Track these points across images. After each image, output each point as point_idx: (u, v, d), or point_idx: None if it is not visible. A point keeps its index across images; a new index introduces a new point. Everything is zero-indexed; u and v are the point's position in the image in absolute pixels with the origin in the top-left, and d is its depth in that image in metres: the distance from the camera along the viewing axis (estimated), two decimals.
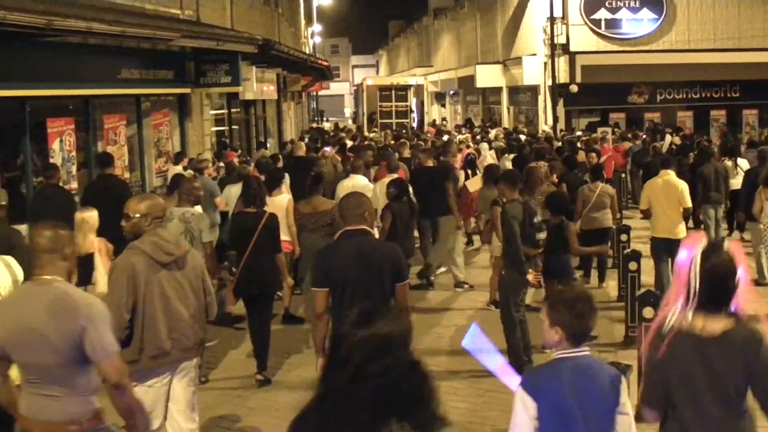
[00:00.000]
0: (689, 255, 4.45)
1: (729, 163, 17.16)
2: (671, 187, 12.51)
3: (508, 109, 42.70)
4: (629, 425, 4.53)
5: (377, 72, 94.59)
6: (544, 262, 10.72)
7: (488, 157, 21.12)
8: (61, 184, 13.41)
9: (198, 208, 10.39)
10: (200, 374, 9.71)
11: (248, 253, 9.93)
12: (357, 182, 13.76)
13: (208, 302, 6.81)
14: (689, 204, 12.66)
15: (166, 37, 16.02)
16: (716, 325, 4.35)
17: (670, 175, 12.72)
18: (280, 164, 16.90)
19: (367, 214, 6.90)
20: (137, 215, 6.48)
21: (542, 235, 10.12)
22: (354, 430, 3.05)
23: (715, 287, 4.38)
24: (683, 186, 12.64)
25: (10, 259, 7.06)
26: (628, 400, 4.57)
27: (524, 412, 4.44)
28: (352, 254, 6.66)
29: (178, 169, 16.32)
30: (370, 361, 3.09)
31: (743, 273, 4.44)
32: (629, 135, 26.65)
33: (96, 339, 4.94)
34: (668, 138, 25.79)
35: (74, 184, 14.36)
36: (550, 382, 4.53)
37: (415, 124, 46.06)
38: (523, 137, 26.23)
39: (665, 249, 12.27)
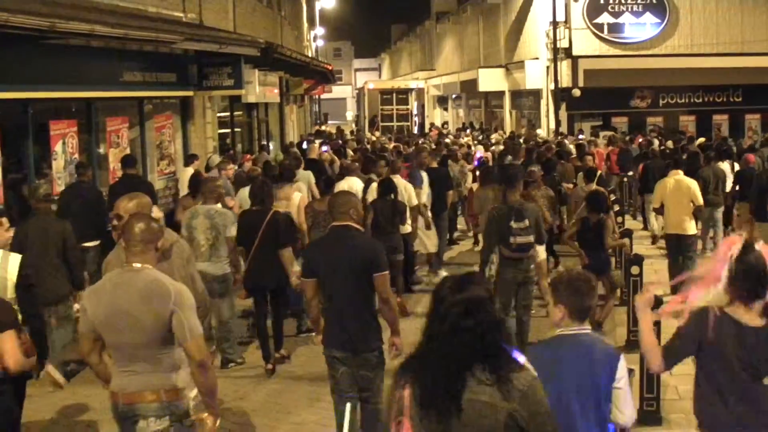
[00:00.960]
0: (727, 251, 4.97)
1: (725, 165, 17.55)
2: (682, 185, 13.40)
3: (511, 113, 42.72)
4: (625, 400, 4.94)
5: (380, 75, 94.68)
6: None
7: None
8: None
9: (220, 205, 10.89)
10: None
11: (254, 249, 10.35)
12: (351, 183, 14.27)
13: (194, 289, 6.98)
14: (701, 201, 13.52)
15: (168, 39, 16.03)
16: (756, 316, 4.93)
17: (680, 174, 13.65)
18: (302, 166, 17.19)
19: (353, 211, 7.39)
20: (128, 214, 6.58)
21: (516, 240, 10.40)
22: (448, 371, 3.78)
23: (753, 282, 4.91)
24: (694, 185, 13.54)
25: (13, 257, 7.22)
26: (625, 376, 4.93)
27: None
28: (335, 248, 7.24)
29: (191, 170, 16.38)
30: (464, 317, 3.80)
31: None
32: (627, 138, 26.73)
33: (184, 321, 5.37)
34: (656, 142, 25.79)
35: None
36: (549, 356, 4.89)
37: (416, 128, 46.14)
38: (521, 140, 26.55)
39: (675, 244, 13.36)
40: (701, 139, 26.18)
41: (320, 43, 75.81)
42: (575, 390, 4.81)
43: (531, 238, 10.49)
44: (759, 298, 4.92)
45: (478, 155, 21.96)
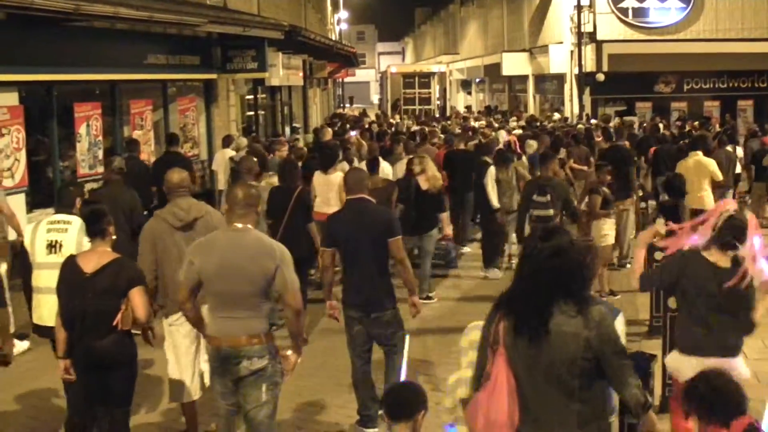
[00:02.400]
0: (722, 207, 6.44)
1: (729, 149, 17.94)
2: (702, 164, 14.32)
3: (534, 97, 42.54)
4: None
5: (403, 59, 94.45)
6: None
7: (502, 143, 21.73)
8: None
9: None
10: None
11: (284, 223, 10.97)
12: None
13: None
14: (721, 177, 14.54)
15: (192, 22, 16.08)
16: (726, 260, 6.33)
17: (699, 154, 14.49)
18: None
19: (365, 185, 8.08)
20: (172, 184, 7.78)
21: (534, 212, 11.66)
22: (537, 301, 4.42)
23: (731, 235, 6.29)
24: (713, 163, 14.50)
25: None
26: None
27: None
28: (352, 218, 7.93)
29: (229, 152, 16.47)
30: (549, 258, 4.46)
31: (758, 238, 6.26)
32: (634, 124, 26.71)
33: (286, 276, 6.17)
34: (661, 126, 25.70)
35: (100, 169, 14.37)
36: None
37: (438, 112, 46.13)
38: (537, 124, 26.72)
39: (692, 216, 13.52)
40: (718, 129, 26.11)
41: (344, 26, 75.76)
42: None
43: (550, 212, 11.46)
44: (732, 248, 6.27)
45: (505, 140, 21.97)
